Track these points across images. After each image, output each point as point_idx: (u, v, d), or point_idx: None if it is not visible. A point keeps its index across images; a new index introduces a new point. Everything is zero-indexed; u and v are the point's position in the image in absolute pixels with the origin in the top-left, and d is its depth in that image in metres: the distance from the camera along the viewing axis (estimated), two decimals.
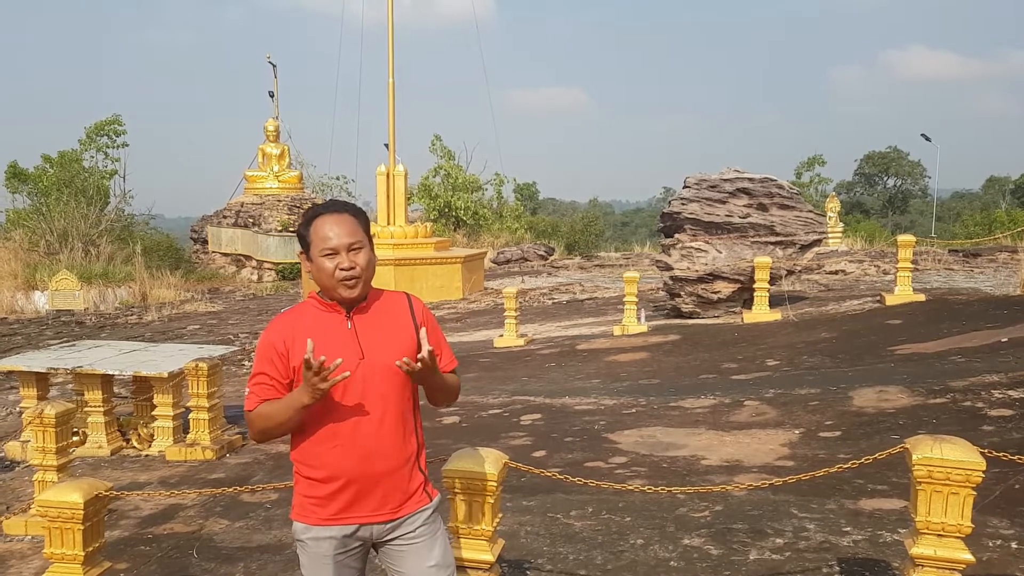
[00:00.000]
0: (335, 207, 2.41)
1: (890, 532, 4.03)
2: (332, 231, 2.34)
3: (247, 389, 2.42)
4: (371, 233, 2.47)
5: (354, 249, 2.36)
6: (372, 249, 2.44)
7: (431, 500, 2.54)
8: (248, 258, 28.44)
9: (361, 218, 2.42)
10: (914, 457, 2.92)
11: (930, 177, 58.68)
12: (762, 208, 11.39)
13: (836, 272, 15.31)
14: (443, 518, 2.65)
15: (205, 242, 30.21)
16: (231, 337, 13.56)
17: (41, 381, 7.17)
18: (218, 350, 7.61)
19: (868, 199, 61.91)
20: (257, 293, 22.64)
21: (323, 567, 2.42)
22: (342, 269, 2.33)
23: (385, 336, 2.42)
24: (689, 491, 4.58)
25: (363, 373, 2.35)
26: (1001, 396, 5.89)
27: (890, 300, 10.22)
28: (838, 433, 5.67)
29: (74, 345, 8.12)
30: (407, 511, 2.47)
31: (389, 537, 2.47)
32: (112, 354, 7.37)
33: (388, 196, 19.06)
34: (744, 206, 11.38)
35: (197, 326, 15.45)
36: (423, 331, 2.40)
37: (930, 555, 2.92)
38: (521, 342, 10.95)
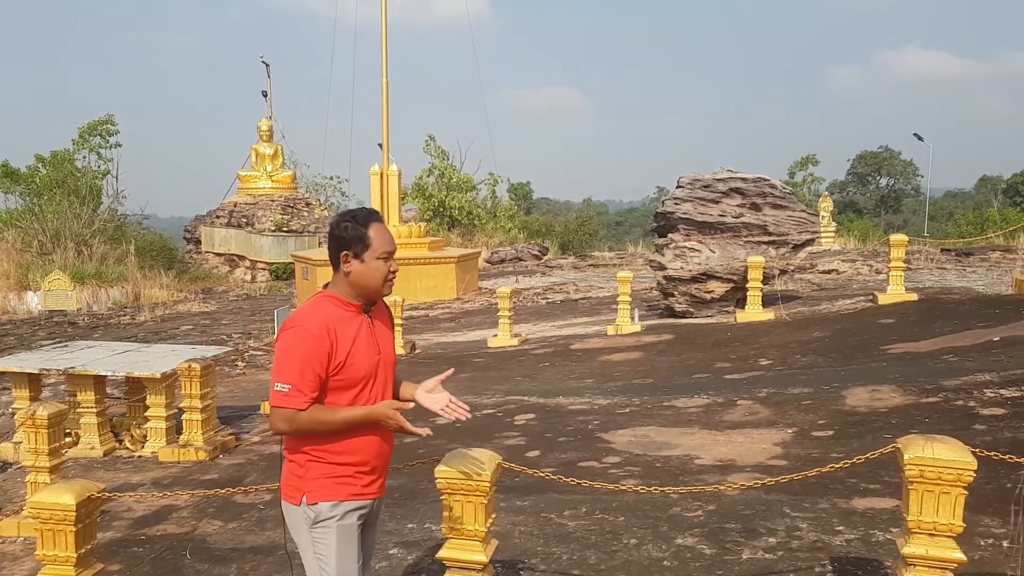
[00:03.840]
0: (378, 216, 2.67)
1: (882, 531, 4.05)
2: (387, 236, 2.63)
3: (285, 385, 2.48)
4: None
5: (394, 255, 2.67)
6: None
7: None
8: (242, 258, 28.39)
9: None
10: (906, 457, 2.93)
11: (923, 176, 58.95)
12: (755, 208, 11.41)
13: (829, 271, 15.35)
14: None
15: (198, 242, 30.14)
16: (224, 337, 13.54)
17: (34, 382, 7.15)
18: (211, 351, 7.59)
19: (861, 198, 62.11)
20: (250, 293, 22.59)
21: (351, 539, 2.62)
22: (392, 272, 2.64)
23: (386, 334, 2.75)
24: (682, 491, 4.59)
25: (380, 366, 2.64)
26: (993, 395, 5.91)
27: (883, 299, 10.26)
28: (831, 432, 5.68)
29: (67, 346, 8.10)
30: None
31: (374, 510, 2.76)
32: (105, 355, 7.35)
33: (382, 196, 19.04)
34: (737, 206, 11.40)
35: (190, 326, 15.41)
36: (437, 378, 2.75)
37: (922, 554, 2.93)
38: (515, 342, 10.95)
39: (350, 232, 2.58)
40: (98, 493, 3.73)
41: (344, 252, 2.58)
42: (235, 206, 29.54)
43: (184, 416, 6.76)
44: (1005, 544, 3.78)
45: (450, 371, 2.79)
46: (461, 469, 3.15)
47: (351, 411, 2.55)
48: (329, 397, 2.56)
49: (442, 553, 3.27)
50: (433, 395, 2.69)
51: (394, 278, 2.66)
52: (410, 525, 4.73)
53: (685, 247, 11.29)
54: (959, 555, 2.91)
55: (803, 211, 11.73)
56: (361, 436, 2.58)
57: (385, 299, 2.75)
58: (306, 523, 2.59)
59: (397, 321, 10.79)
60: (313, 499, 2.57)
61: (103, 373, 6.81)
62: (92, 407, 6.86)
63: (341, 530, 2.58)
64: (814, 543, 4.00)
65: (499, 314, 11.14)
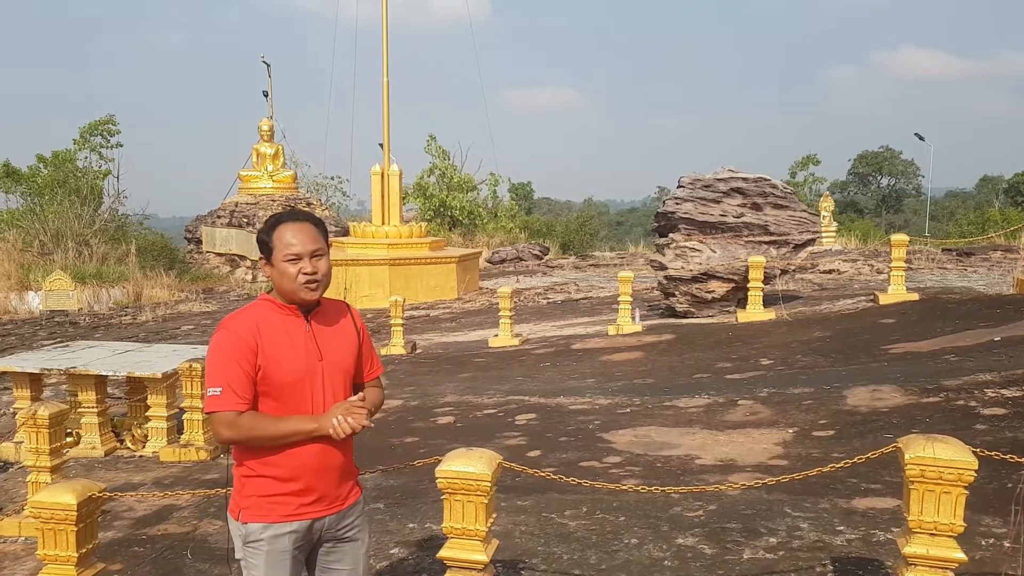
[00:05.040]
0: (296, 216, 2.55)
1: (883, 531, 4.05)
2: (296, 238, 2.48)
3: (216, 389, 2.39)
4: (329, 242, 2.62)
5: (316, 256, 2.50)
6: (329, 257, 2.60)
7: (361, 491, 2.73)
8: (242, 258, 28.35)
9: (321, 227, 2.56)
10: (906, 456, 2.93)
11: (923, 176, 58.89)
12: (756, 208, 11.41)
13: (830, 271, 15.35)
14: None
15: (199, 242, 30.12)
16: None
17: (35, 382, 7.15)
18: None
19: (862, 198, 62.04)
20: (251, 293, 22.58)
21: (280, 565, 2.49)
22: (305, 274, 2.47)
23: (336, 338, 2.59)
24: (683, 490, 4.59)
25: (322, 372, 2.51)
26: (994, 395, 5.91)
27: (884, 299, 10.25)
28: (832, 432, 5.68)
29: (68, 346, 8.10)
30: (352, 500, 2.64)
31: (337, 528, 2.59)
32: (106, 354, 7.36)
33: (383, 196, 19.06)
34: (738, 206, 11.40)
35: (191, 326, 15.42)
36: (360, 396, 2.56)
37: (923, 554, 2.92)
38: (516, 342, 10.95)
39: (259, 237, 2.53)
40: (99, 493, 3.73)
41: (260, 257, 2.55)
42: (236, 206, 29.51)
43: (185, 416, 6.76)
44: (1006, 544, 3.79)
45: (361, 393, 2.59)
46: (462, 469, 3.15)
47: (301, 421, 2.43)
48: (260, 402, 2.45)
49: (443, 553, 3.27)
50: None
51: (311, 280, 2.47)
52: (411, 525, 4.73)
53: (686, 247, 11.29)
54: (960, 555, 2.91)
55: (804, 211, 11.73)
56: (299, 449, 2.44)
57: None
58: (239, 539, 2.53)
59: (398, 321, 10.78)
60: (246, 518, 2.49)
61: (104, 373, 6.81)
62: (93, 407, 6.87)
63: (270, 555, 2.47)
64: (815, 543, 4.00)
65: (500, 314, 11.14)
